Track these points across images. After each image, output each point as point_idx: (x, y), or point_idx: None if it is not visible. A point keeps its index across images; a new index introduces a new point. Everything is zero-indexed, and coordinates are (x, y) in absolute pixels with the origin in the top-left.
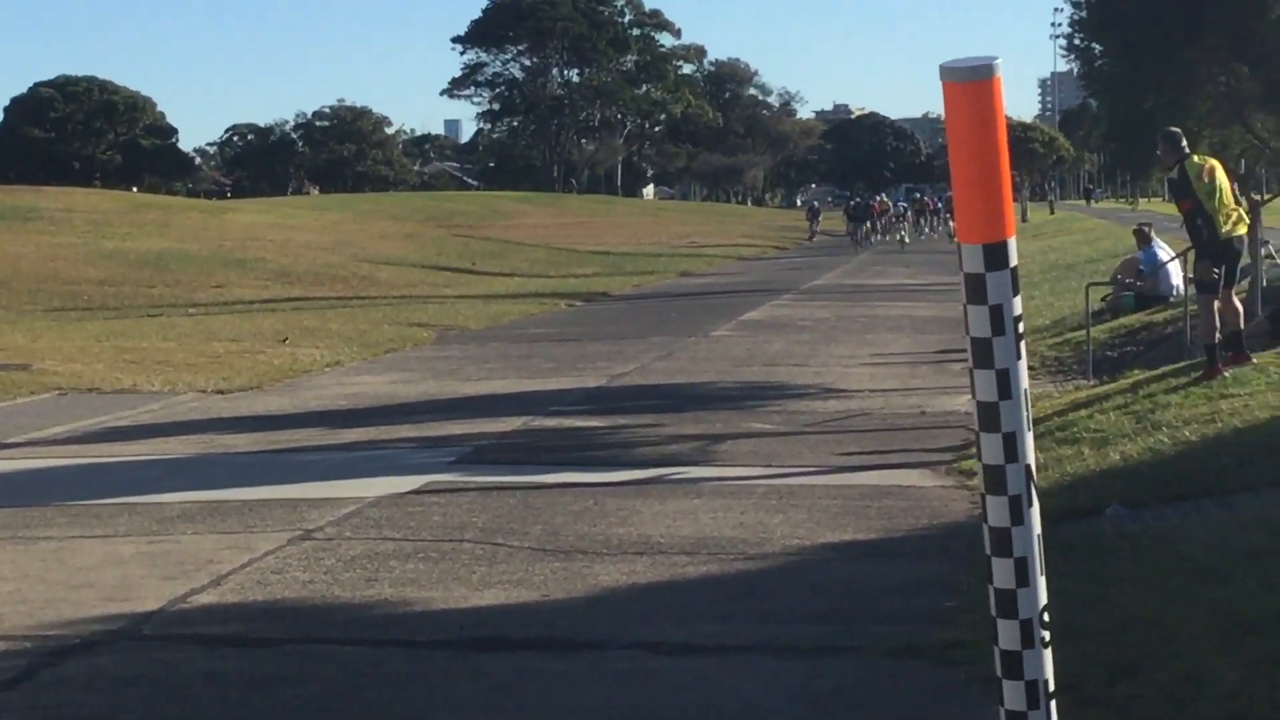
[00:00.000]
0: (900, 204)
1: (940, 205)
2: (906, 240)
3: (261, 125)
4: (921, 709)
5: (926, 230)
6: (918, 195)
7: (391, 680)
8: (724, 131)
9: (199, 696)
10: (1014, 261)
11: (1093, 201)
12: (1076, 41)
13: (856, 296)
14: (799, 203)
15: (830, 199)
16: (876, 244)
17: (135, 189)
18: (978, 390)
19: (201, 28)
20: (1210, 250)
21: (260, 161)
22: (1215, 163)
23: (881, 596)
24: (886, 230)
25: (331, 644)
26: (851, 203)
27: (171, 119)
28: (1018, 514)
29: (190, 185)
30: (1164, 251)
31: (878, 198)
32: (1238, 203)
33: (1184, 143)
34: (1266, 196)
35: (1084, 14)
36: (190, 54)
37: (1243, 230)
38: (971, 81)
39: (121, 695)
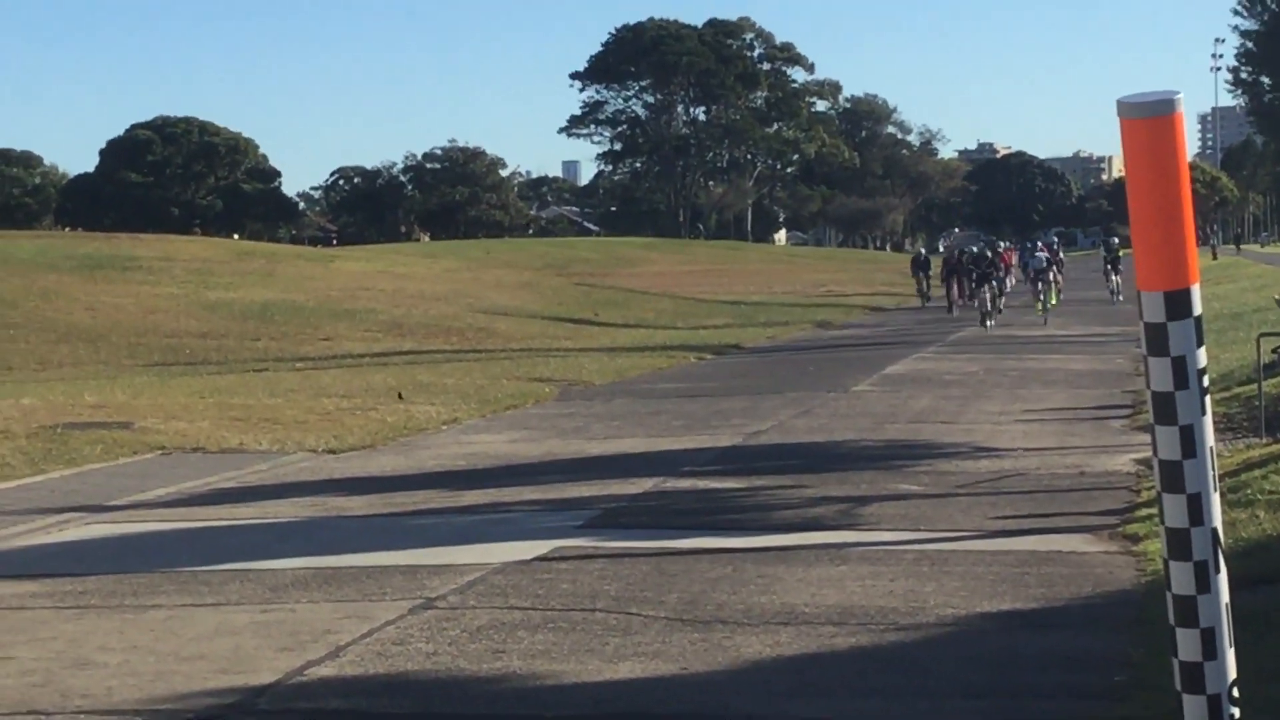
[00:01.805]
0: (1035, 255)
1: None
2: (1045, 308)
3: (368, 168)
4: None
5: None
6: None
7: None
8: (861, 172)
9: None
10: (1198, 310)
11: (1252, 246)
12: (1243, 75)
13: (1006, 349)
14: (940, 248)
15: (978, 243)
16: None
17: (237, 236)
18: (1160, 448)
19: (305, 66)
20: None
21: (367, 206)
22: None
23: (1044, 671)
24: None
25: None
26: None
27: (274, 162)
28: (1204, 581)
29: (294, 232)
30: None
31: (1003, 245)
32: None
33: None
34: None
35: (1252, 45)
36: (294, 94)
37: None
38: (1152, 118)
39: None
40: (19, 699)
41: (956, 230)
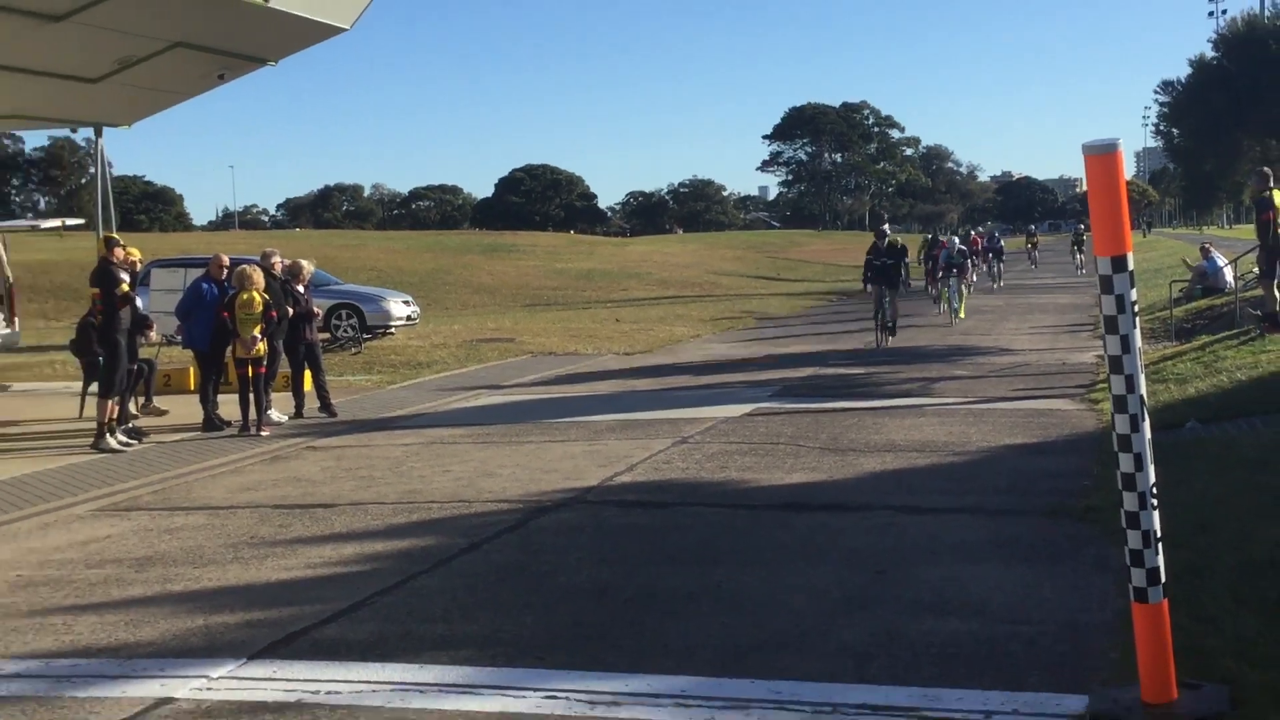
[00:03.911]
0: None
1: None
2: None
3: (647, 190)
4: (1070, 551)
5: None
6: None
7: (737, 530)
8: (931, 190)
9: (620, 538)
10: (1131, 267)
11: (1147, 233)
12: (1161, 127)
13: (1016, 292)
14: (971, 230)
15: (998, 233)
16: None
17: (572, 231)
18: (1109, 348)
19: (613, 124)
20: (1271, 247)
21: (647, 213)
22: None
23: (1041, 478)
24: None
25: (700, 506)
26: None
27: (593, 187)
28: (1136, 425)
29: (603, 229)
30: (1221, 259)
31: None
32: None
33: (1270, 180)
34: None
35: (1166, 110)
36: (602, 141)
37: None
38: (1103, 154)
39: (575, 536)
40: (453, 493)
41: (989, 223)
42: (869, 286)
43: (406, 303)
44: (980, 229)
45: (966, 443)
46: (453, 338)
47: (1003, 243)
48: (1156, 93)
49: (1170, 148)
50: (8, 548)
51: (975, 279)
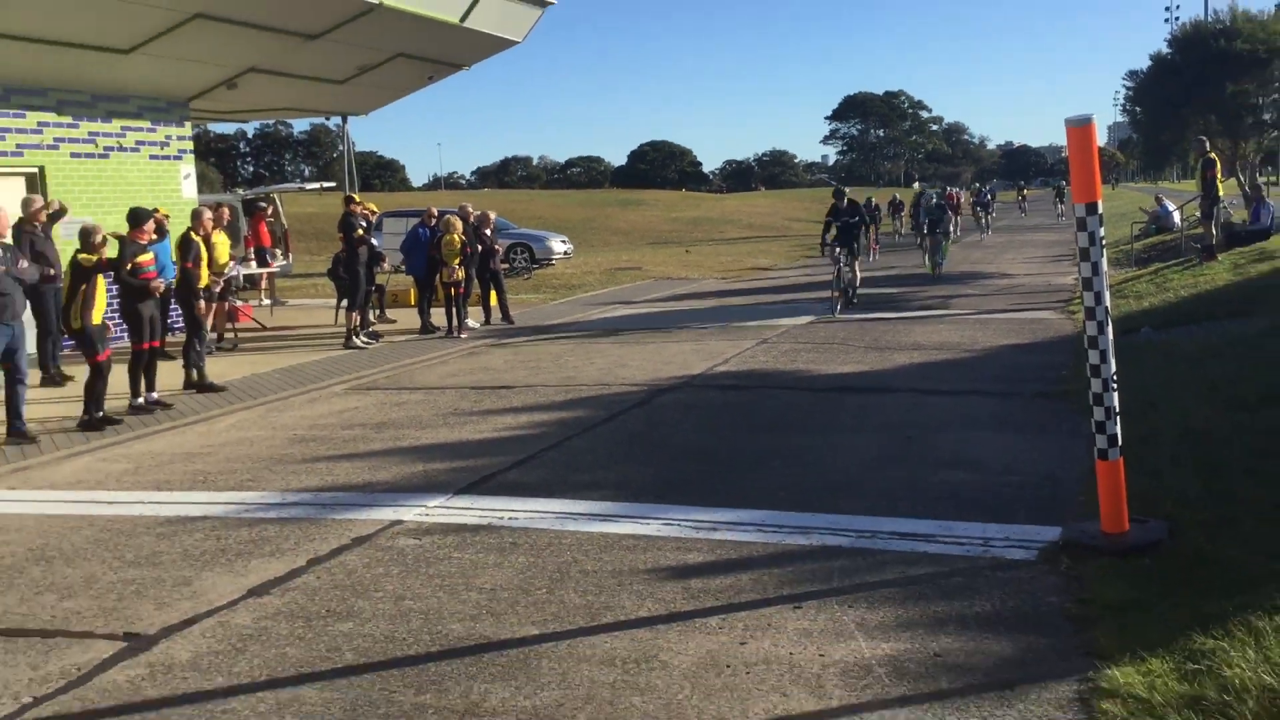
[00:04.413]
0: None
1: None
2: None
3: (739, 158)
4: (1052, 422)
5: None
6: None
7: (801, 407)
8: (951, 156)
9: (718, 412)
10: (1100, 211)
11: (1115, 187)
12: (1127, 106)
13: (1015, 232)
14: (981, 187)
15: (989, 189)
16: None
17: (683, 190)
18: (1083, 272)
19: (724, 106)
20: (1211, 195)
21: (739, 175)
22: (1215, 156)
23: (1031, 369)
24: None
25: (776, 389)
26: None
27: (699, 157)
28: (1102, 329)
29: (706, 188)
30: (1171, 205)
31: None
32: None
33: (1208, 145)
34: (1223, 179)
35: (1130, 93)
36: (707, 119)
37: (1222, 190)
38: (1080, 126)
39: (685, 411)
40: (597, 379)
41: (994, 180)
42: (826, 249)
43: (564, 242)
44: (986, 186)
45: (974, 343)
46: (596, 267)
47: (990, 196)
48: (1124, 80)
49: (1134, 122)
50: (287, 415)
51: (957, 231)
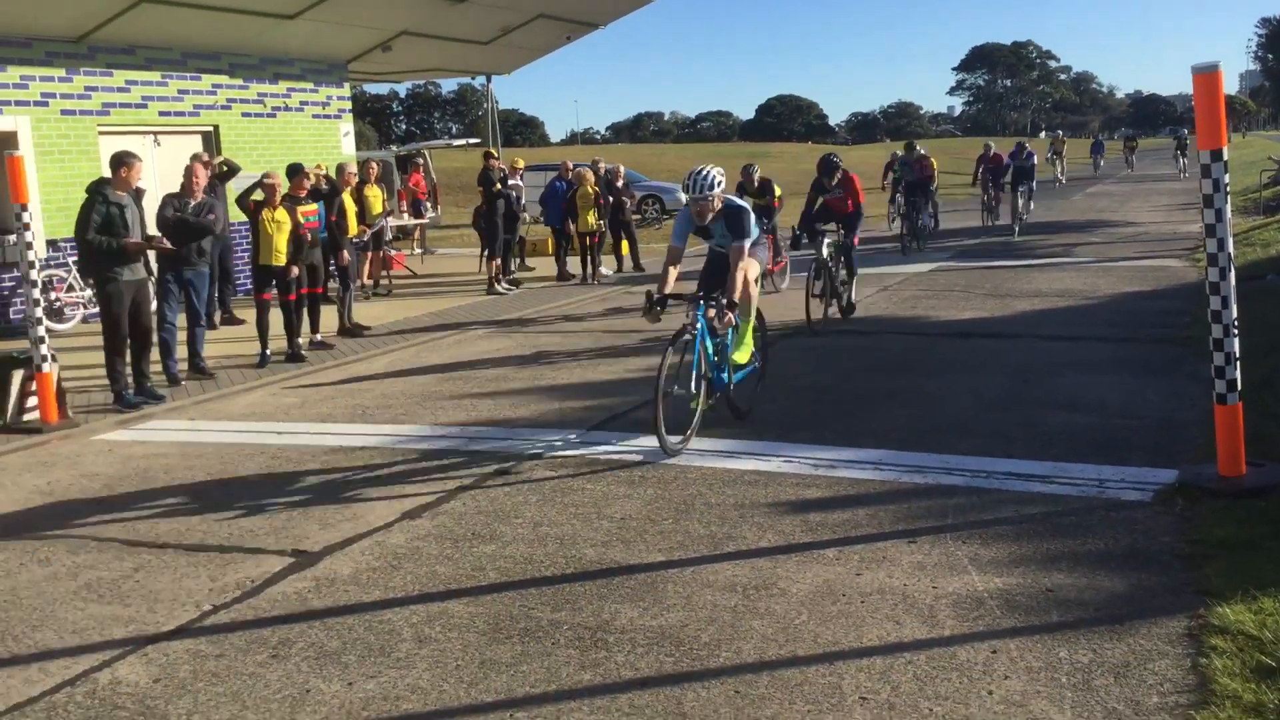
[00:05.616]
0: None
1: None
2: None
3: (864, 110)
4: (1171, 368)
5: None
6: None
7: (919, 350)
8: (1079, 105)
9: (838, 355)
10: (1226, 157)
11: (1245, 135)
12: (1259, 54)
13: (1140, 181)
14: (1117, 136)
15: (1127, 135)
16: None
17: (810, 142)
18: (1206, 219)
19: (851, 59)
20: None
21: (864, 128)
22: None
23: (1154, 315)
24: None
25: (894, 334)
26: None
27: (825, 109)
28: (1225, 274)
29: (832, 140)
30: None
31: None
32: None
33: None
34: None
35: (1263, 39)
36: (833, 72)
37: None
38: (1208, 73)
39: (806, 354)
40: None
41: (1124, 129)
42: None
43: None
44: (1121, 135)
45: (1096, 290)
46: None
47: (1035, 158)
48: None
49: (1265, 70)
50: (436, 354)
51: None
